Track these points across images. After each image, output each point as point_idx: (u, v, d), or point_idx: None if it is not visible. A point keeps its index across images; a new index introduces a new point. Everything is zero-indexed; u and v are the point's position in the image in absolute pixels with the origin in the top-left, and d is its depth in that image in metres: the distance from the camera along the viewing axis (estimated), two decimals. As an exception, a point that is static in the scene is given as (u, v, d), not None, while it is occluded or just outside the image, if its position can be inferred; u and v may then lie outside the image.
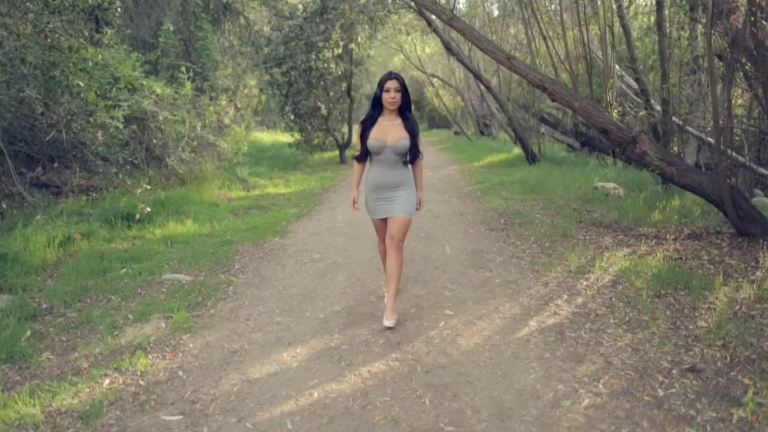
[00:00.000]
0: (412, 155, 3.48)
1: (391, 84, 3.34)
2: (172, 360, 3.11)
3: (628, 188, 7.46)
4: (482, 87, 14.16)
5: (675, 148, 6.82)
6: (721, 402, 2.46)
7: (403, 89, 3.37)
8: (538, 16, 7.58)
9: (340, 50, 12.96)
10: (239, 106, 13.11)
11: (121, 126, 6.68)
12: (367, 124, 3.44)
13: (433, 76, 22.56)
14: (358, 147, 3.52)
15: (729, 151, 4.93)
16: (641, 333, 3.21)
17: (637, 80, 7.79)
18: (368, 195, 3.56)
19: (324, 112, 13.78)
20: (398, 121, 3.43)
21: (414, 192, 3.53)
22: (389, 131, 3.40)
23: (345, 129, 15.00)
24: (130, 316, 3.70)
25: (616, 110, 6.44)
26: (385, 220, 3.53)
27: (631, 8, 8.82)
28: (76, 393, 2.72)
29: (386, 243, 3.47)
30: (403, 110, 3.43)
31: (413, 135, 3.42)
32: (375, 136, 3.39)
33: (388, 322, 3.46)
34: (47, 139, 5.89)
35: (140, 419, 2.52)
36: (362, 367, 2.97)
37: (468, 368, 2.92)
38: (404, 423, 2.44)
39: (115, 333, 3.44)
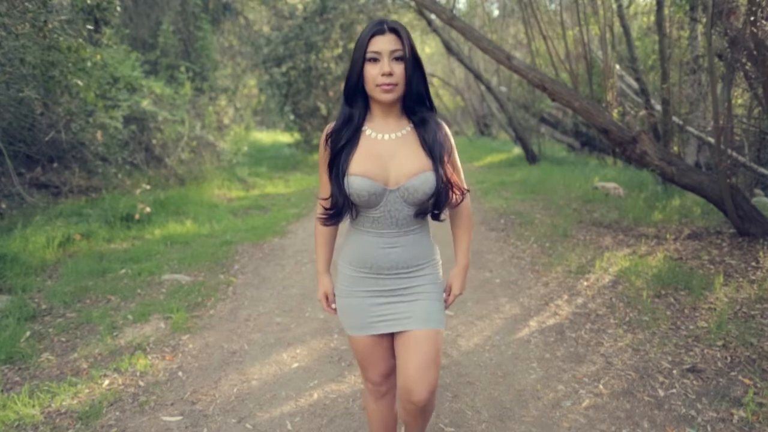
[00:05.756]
0: (439, 202, 1.61)
1: (384, 43, 1.51)
2: (172, 360, 3.10)
3: (629, 188, 7.46)
4: (482, 87, 14.16)
5: (675, 148, 6.81)
6: (722, 402, 2.46)
7: (412, 56, 1.54)
8: (538, 16, 7.58)
9: (340, 50, 12.96)
10: (239, 106, 13.10)
11: (120, 126, 6.68)
12: (339, 144, 1.60)
13: (433, 75, 22.57)
14: (323, 193, 1.70)
15: (729, 150, 4.92)
16: (641, 333, 3.20)
17: (637, 80, 7.78)
18: (348, 283, 1.72)
19: (324, 112, 13.78)
20: (406, 130, 1.63)
21: (440, 272, 1.79)
22: (391, 154, 1.59)
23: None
24: (129, 316, 3.69)
25: (616, 110, 6.43)
26: (386, 337, 1.74)
27: (631, 8, 8.81)
28: (75, 393, 2.71)
29: (400, 396, 1.70)
30: (412, 102, 1.60)
31: (439, 155, 1.59)
32: (363, 169, 1.56)
33: None
34: (46, 139, 5.88)
35: (140, 420, 2.51)
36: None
37: (468, 369, 2.92)
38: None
39: (114, 333, 3.44)
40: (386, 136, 1.61)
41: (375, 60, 1.53)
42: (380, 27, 1.54)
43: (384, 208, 1.60)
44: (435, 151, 1.60)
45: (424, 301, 1.69)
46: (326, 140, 1.64)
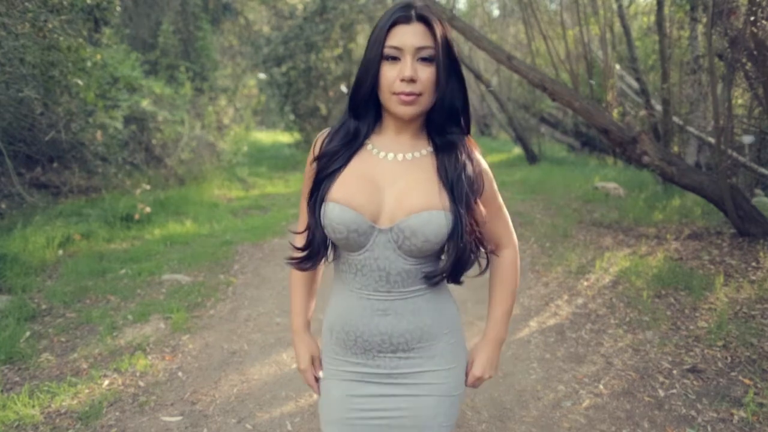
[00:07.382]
0: (459, 262, 1.14)
1: (408, 36, 1.05)
2: (172, 361, 3.10)
3: (629, 188, 7.46)
4: (482, 87, 14.16)
5: (675, 148, 6.81)
6: (722, 402, 2.45)
7: (447, 56, 1.08)
8: (538, 16, 7.58)
9: (340, 50, 12.96)
10: (238, 106, 13.11)
11: (120, 126, 6.69)
12: (330, 169, 1.15)
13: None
14: (302, 224, 1.28)
15: (729, 151, 4.92)
16: (642, 333, 3.20)
17: (637, 80, 7.79)
18: (329, 357, 1.27)
19: (324, 112, 13.78)
20: (421, 152, 1.16)
21: (461, 349, 1.31)
22: (391, 180, 1.13)
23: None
24: (129, 316, 3.69)
25: (616, 110, 6.43)
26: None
27: (631, 8, 8.82)
28: (75, 394, 2.71)
29: None
30: (442, 119, 1.13)
31: (463, 194, 1.11)
32: (346, 194, 1.11)
33: None
34: (46, 139, 5.88)
35: (140, 420, 2.51)
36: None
37: (468, 369, 2.91)
38: (404, 424, 2.43)
39: (114, 334, 3.44)
40: (390, 155, 1.15)
41: (394, 58, 1.07)
42: (405, 12, 1.06)
43: (369, 253, 1.13)
44: (458, 187, 1.11)
45: (429, 398, 1.19)
46: (314, 160, 1.18)
